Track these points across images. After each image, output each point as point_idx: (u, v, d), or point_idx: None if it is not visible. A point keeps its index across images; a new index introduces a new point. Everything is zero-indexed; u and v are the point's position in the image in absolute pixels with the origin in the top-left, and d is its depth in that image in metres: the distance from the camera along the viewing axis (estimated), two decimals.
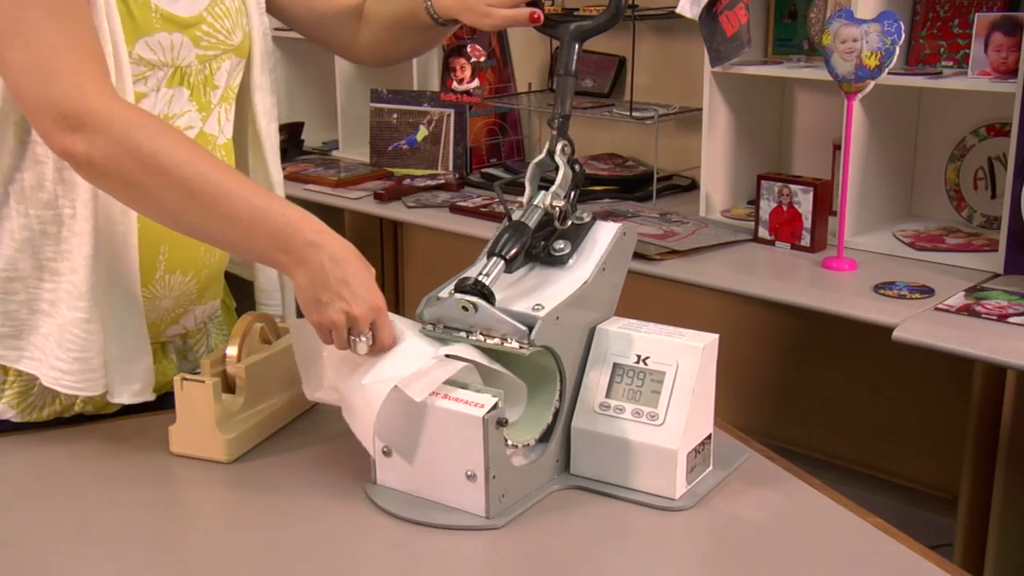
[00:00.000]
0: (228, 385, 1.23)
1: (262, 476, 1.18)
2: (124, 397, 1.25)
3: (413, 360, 1.07)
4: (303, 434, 1.28)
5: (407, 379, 1.05)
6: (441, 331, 1.11)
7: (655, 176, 2.71)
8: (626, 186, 2.76)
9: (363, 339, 1.09)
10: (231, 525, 1.06)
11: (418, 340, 1.10)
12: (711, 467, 1.18)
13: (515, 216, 1.16)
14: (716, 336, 1.15)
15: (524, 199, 1.16)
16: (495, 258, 1.11)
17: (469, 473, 1.06)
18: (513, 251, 1.11)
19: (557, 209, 1.15)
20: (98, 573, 1.00)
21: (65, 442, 1.25)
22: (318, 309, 1.08)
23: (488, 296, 1.07)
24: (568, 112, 1.18)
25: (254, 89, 1.39)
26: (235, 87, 1.37)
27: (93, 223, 1.19)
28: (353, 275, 1.08)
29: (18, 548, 1.04)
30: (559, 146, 1.16)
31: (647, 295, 2.21)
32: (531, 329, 1.08)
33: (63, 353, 1.21)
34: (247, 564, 1.01)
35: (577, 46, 1.17)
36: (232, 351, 1.23)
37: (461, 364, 1.08)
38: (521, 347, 1.07)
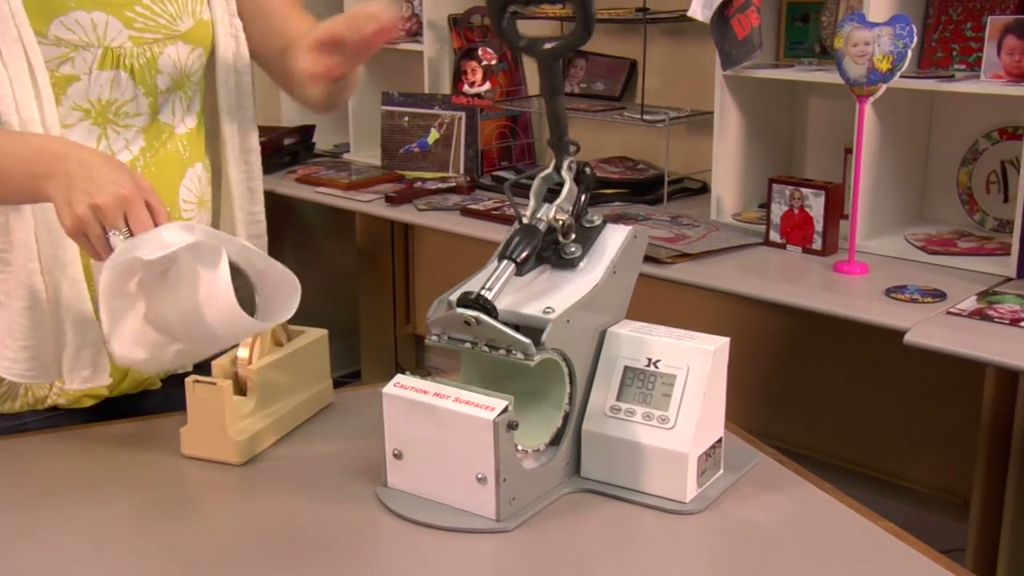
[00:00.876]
0: (240, 387, 1.24)
1: (273, 478, 1.18)
2: (75, 383, 1.27)
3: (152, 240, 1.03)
4: (315, 436, 1.29)
5: (132, 241, 1.02)
6: (447, 341, 1.11)
7: (666, 179, 2.71)
8: (637, 189, 2.76)
9: (118, 234, 1.04)
10: (242, 527, 1.06)
11: (175, 228, 1.05)
12: (722, 470, 1.18)
13: (525, 219, 1.16)
14: (727, 339, 1.15)
15: (528, 212, 1.15)
16: (506, 261, 1.11)
17: (479, 476, 1.06)
18: (524, 254, 1.11)
19: (561, 222, 1.15)
20: (108, 575, 1.00)
21: (75, 444, 1.25)
22: (68, 213, 1.06)
23: (490, 310, 1.07)
24: (567, 135, 1.17)
25: (217, 84, 1.39)
26: (194, 77, 1.37)
27: (31, 210, 1.22)
28: (98, 171, 1.07)
29: (27, 550, 1.04)
30: (566, 162, 1.16)
31: (658, 298, 2.21)
32: (541, 332, 1.08)
33: (11, 342, 1.25)
34: (258, 566, 1.01)
35: (557, 64, 1.16)
36: (244, 353, 1.24)
37: (194, 239, 1.04)
38: (526, 358, 1.07)
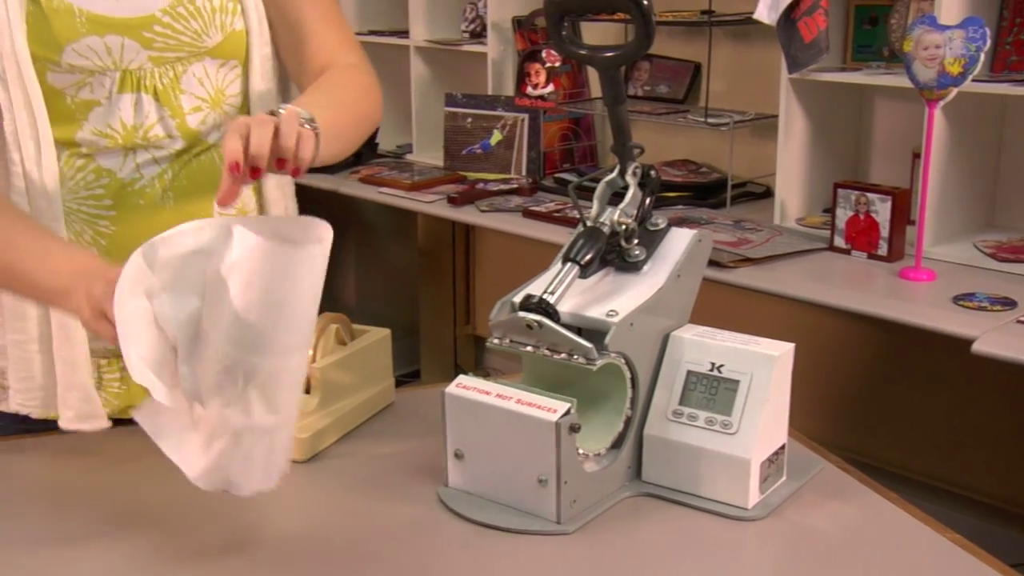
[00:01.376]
0: (304, 385, 1.25)
1: (335, 476, 1.19)
2: (62, 421, 1.25)
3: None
4: (376, 435, 1.30)
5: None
6: (509, 344, 1.11)
7: (729, 183, 2.69)
8: (700, 193, 2.74)
9: None
10: (304, 524, 1.07)
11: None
12: (784, 477, 1.17)
13: (589, 222, 1.16)
14: (792, 345, 1.14)
15: (592, 215, 1.15)
16: (570, 263, 1.11)
17: (541, 478, 1.06)
18: (588, 257, 1.11)
19: (624, 226, 1.14)
20: (169, 572, 1.02)
21: (130, 439, 1.27)
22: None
23: (552, 314, 1.07)
24: (631, 141, 1.17)
25: (251, 97, 1.32)
26: (230, 90, 1.30)
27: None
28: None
29: (88, 548, 1.06)
30: (630, 168, 1.16)
31: (720, 303, 2.19)
32: (604, 335, 1.08)
33: (12, 372, 1.26)
34: (319, 562, 1.02)
35: (618, 73, 1.16)
36: (308, 352, 1.25)
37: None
38: (588, 363, 1.07)
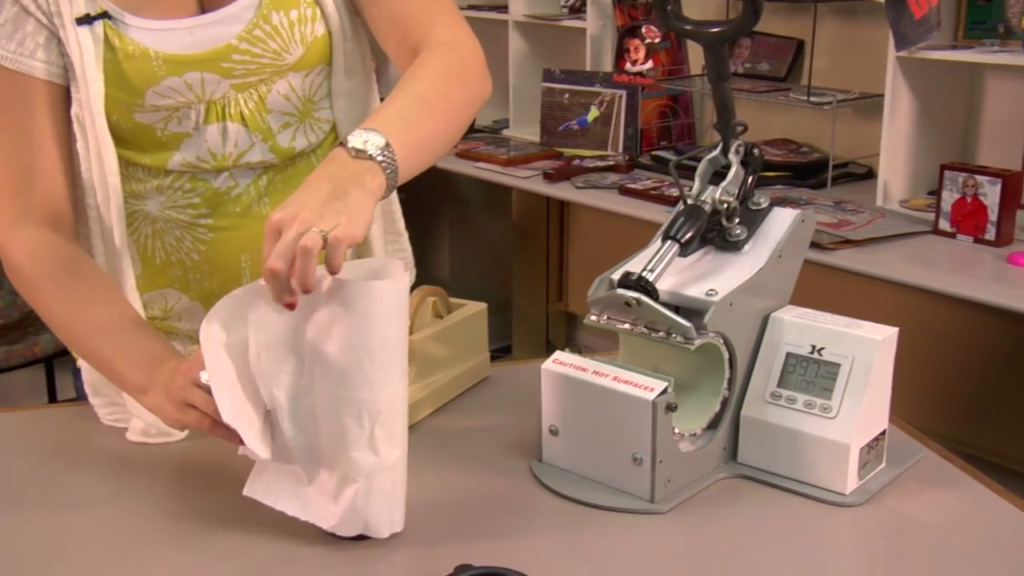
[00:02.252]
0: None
1: (430, 448, 1.20)
2: (129, 434, 1.24)
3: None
4: (471, 409, 1.31)
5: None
6: (606, 322, 1.11)
7: (831, 163, 2.64)
8: (799, 172, 2.69)
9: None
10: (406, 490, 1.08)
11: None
12: (884, 464, 1.15)
13: (690, 200, 1.15)
14: (895, 329, 1.11)
15: (693, 193, 1.14)
16: (670, 241, 1.10)
17: (636, 456, 1.06)
18: (688, 235, 1.10)
19: (726, 205, 1.13)
20: (248, 533, 1.04)
21: None
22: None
23: (651, 292, 1.06)
24: (734, 119, 1.15)
25: (334, 96, 1.28)
26: (318, 95, 1.27)
27: (103, 260, 1.23)
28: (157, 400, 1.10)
29: (151, 512, 1.09)
30: (733, 145, 1.14)
31: (817, 285, 2.15)
32: (703, 315, 1.07)
33: (88, 388, 1.27)
34: (411, 534, 1.03)
35: (724, 49, 1.14)
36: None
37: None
38: (686, 342, 1.06)
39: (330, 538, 1.02)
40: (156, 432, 1.21)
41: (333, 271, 0.95)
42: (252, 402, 1.01)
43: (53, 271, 1.17)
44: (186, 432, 1.22)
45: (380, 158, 1.01)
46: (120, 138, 1.19)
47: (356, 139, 1.01)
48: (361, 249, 1.33)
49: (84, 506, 1.09)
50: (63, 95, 1.18)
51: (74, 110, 1.18)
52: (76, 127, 1.18)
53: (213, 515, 1.06)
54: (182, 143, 1.21)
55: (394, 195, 1.36)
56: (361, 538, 1.02)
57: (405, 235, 1.43)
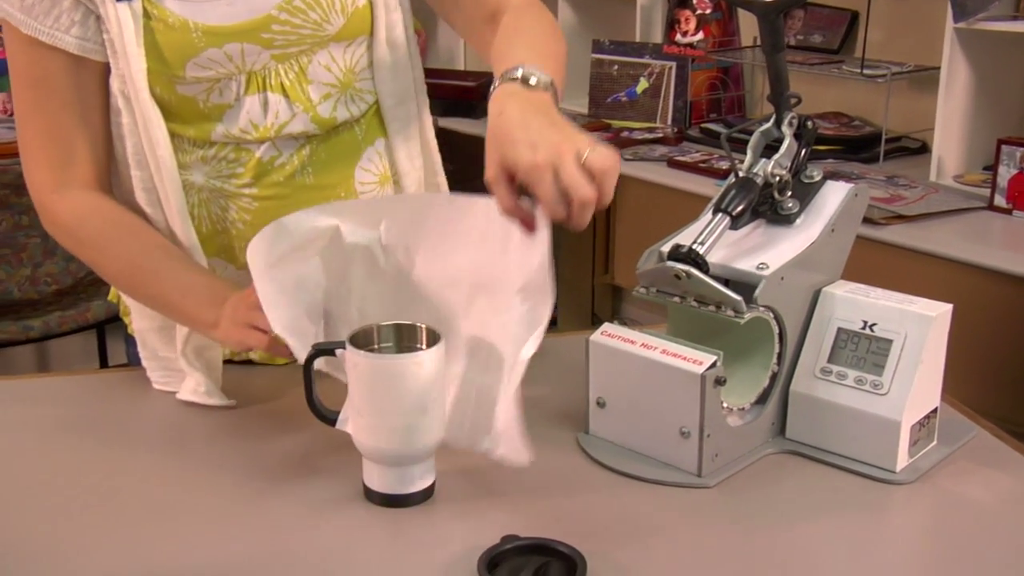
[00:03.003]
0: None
1: None
2: (179, 393, 1.26)
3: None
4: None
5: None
6: (655, 294, 1.10)
7: (884, 137, 2.60)
8: (851, 146, 2.66)
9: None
10: (443, 463, 1.08)
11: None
12: (935, 442, 1.13)
13: (742, 172, 1.14)
14: (950, 306, 1.10)
15: (744, 166, 1.13)
16: (720, 214, 1.09)
17: (683, 430, 1.05)
18: (740, 208, 1.09)
19: (778, 178, 1.12)
20: (298, 516, 1.05)
21: (257, 378, 1.30)
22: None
23: (701, 265, 1.06)
24: (788, 91, 1.13)
25: (376, 68, 1.28)
26: (359, 66, 1.27)
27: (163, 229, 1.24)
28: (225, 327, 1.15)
29: (202, 482, 1.11)
30: (786, 118, 1.13)
31: (869, 260, 2.13)
32: (753, 289, 1.06)
33: (143, 351, 1.30)
34: (455, 503, 1.04)
35: (779, 20, 1.12)
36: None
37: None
38: (736, 316, 1.05)
39: (369, 504, 1.02)
40: (205, 391, 1.23)
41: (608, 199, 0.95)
42: (307, 315, 1.09)
43: (103, 227, 1.21)
44: (234, 401, 1.24)
45: (549, 91, 1.02)
46: (164, 111, 1.20)
47: (523, 72, 1.01)
48: None
49: (130, 471, 1.10)
50: (100, 71, 1.19)
51: (117, 86, 1.18)
52: (121, 102, 1.19)
53: (254, 483, 1.08)
54: (224, 114, 1.21)
55: (434, 145, 1.38)
56: (403, 505, 1.02)
57: (445, 187, 1.43)
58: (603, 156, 0.94)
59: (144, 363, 1.30)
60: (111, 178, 1.25)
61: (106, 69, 1.19)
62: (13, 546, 0.97)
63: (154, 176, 1.22)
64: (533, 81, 1.02)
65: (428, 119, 1.37)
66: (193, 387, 1.24)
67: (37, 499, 1.05)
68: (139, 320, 1.29)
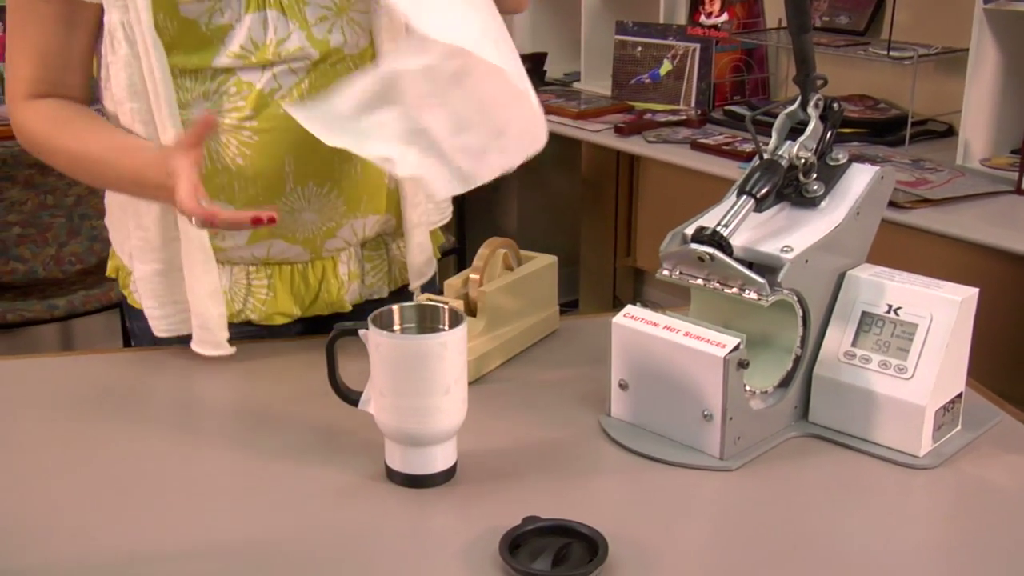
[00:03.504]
0: (470, 308, 1.27)
1: (498, 399, 1.21)
2: (192, 344, 1.31)
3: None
4: (540, 361, 1.31)
5: None
6: (679, 276, 1.10)
7: (910, 120, 2.58)
8: (877, 129, 2.64)
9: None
10: (467, 444, 1.09)
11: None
12: (959, 427, 1.13)
13: (767, 155, 1.13)
14: (976, 290, 1.09)
15: (769, 148, 1.12)
16: (745, 196, 1.08)
17: (705, 413, 1.05)
18: (764, 190, 1.08)
19: (804, 160, 1.11)
20: (346, 483, 1.05)
21: (270, 353, 1.31)
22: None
23: (725, 247, 1.05)
24: (815, 72, 1.12)
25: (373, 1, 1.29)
26: None
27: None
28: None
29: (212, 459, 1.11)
30: (812, 99, 1.12)
31: (894, 243, 2.12)
32: (777, 271, 1.06)
33: (148, 300, 1.32)
34: (478, 482, 1.04)
35: (805, 0, 1.11)
36: (475, 275, 1.26)
37: None
38: (760, 298, 1.04)
39: (391, 485, 1.03)
40: (215, 328, 1.28)
41: None
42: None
43: (57, 119, 1.27)
44: (234, 349, 1.30)
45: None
46: (166, 43, 1.21)
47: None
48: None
49: (152, 449, 1.11)
50: (95, 11, 1.23)
51: (117, 17, 1.20)
52: (121, 33, 1.21)
53: (275, 463, 1.08)
54: (226, 36, 1.23)
55: None
56: (425, 486, 1.02)
57: None
58: None
59: (146, 307, 1.32)
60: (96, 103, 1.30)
61: (100, 10, 1.23)
62: (39, 522, 0.98)
63: (152, 106, 1.24)
64: None
65: None
66: (198, 337, 1.29)
67: (62, 477, 1.06)
68: (141, 267, 1.31)
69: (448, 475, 1.04)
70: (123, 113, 1.26)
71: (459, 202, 1.49)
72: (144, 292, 1.32)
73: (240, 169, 1.27)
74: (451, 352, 0.99)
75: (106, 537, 0.96)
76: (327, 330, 1.10)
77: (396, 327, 1.05)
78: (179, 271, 1.30)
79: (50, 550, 0.94)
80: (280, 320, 1.35)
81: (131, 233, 1.32)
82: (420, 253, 1.41)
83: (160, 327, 1.33)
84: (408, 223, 1.39)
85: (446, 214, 1.50)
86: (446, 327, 1.04)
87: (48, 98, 1.27)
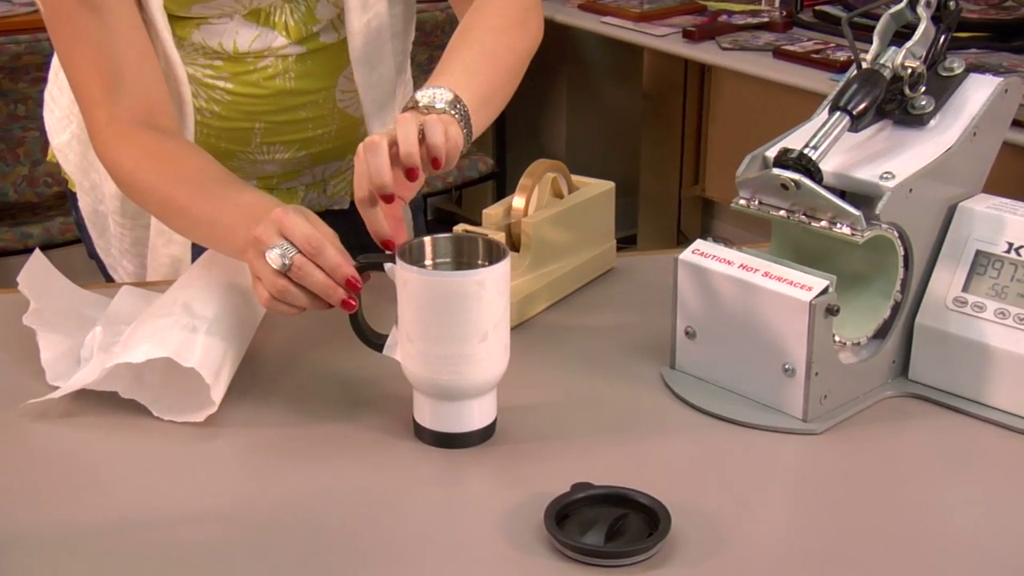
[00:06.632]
0: (512, 242, 1.27)
1: (546, 348, 1.22)
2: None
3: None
4: (593, 304, 1.31)
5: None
6: (758, 207, 1.10)
7: None
8: (1000, 33, 2.61)
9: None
10: (509, 398, 1.09)
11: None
12: None
13: (866, 63, 1.12)
14: None
15: (869, 56, 1.11)
16: (839, 113, 1.08)
17: (787, 367, 1.06)
18: (862, 106, 1.08)
19: (910, 70, 1.10)
20: (321, 455, 1.07)
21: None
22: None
23: (814, 173, 1.05)
24: None
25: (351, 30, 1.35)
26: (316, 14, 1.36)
27: None
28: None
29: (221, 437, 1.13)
30: None
31: (1018, 171, 2.10)
32: (875, 202, 1.05)
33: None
34: (522, 446, 1.05)
35: None
36: (519, 203, 1.26)
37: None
38: (854, 234, 1.04)
39: (419, 444, 1.05)
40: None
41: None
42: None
43: (141, 165, 1.26)
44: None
45: (453, 112, 1.11)
46: None
47: (424, 96, 1.12)
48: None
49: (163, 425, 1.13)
50: None
51: None
52: None
53: (281, 412, 1.10)
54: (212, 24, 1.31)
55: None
56: (459, 446, 1.04)
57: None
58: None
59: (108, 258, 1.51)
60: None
61: None
62: (30, 459, 1.01)
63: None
64: (428, 103, 1.12)
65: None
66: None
67: (49, 418, 1.08)
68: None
69: (486, 434, 1.05)
70: None
71: (499, 120, 1.49)
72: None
73: (205, 121, 1.37)
74: (490, 292, 1.00)
75: (119, 486, 1.00)
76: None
77: (428, 262, 1.06)
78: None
79: (58, 490, 0.97)
80: None
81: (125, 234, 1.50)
82: None
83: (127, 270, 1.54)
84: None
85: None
86: (485, 263, 1.04)
87: (140, 127, 1.27)
